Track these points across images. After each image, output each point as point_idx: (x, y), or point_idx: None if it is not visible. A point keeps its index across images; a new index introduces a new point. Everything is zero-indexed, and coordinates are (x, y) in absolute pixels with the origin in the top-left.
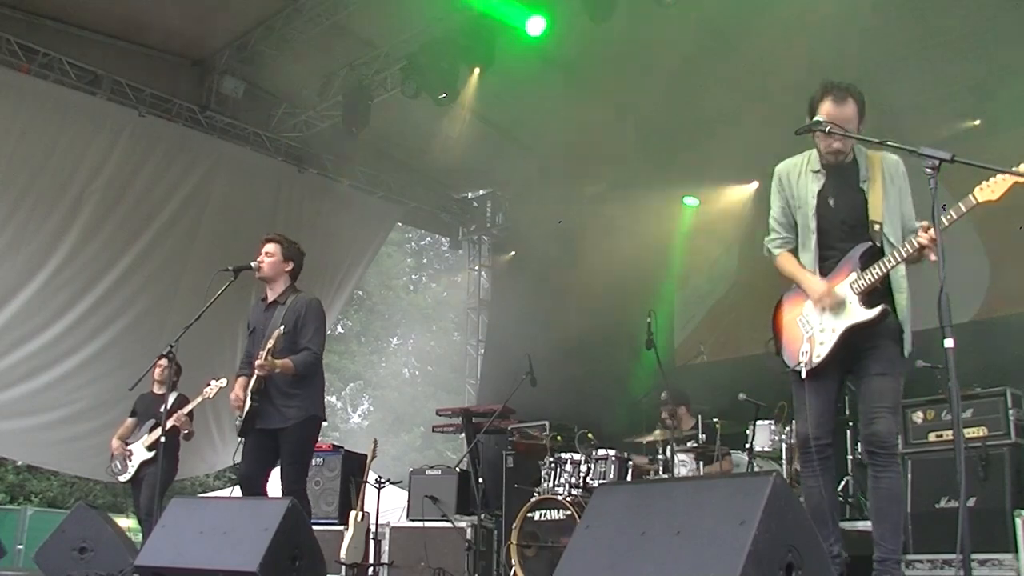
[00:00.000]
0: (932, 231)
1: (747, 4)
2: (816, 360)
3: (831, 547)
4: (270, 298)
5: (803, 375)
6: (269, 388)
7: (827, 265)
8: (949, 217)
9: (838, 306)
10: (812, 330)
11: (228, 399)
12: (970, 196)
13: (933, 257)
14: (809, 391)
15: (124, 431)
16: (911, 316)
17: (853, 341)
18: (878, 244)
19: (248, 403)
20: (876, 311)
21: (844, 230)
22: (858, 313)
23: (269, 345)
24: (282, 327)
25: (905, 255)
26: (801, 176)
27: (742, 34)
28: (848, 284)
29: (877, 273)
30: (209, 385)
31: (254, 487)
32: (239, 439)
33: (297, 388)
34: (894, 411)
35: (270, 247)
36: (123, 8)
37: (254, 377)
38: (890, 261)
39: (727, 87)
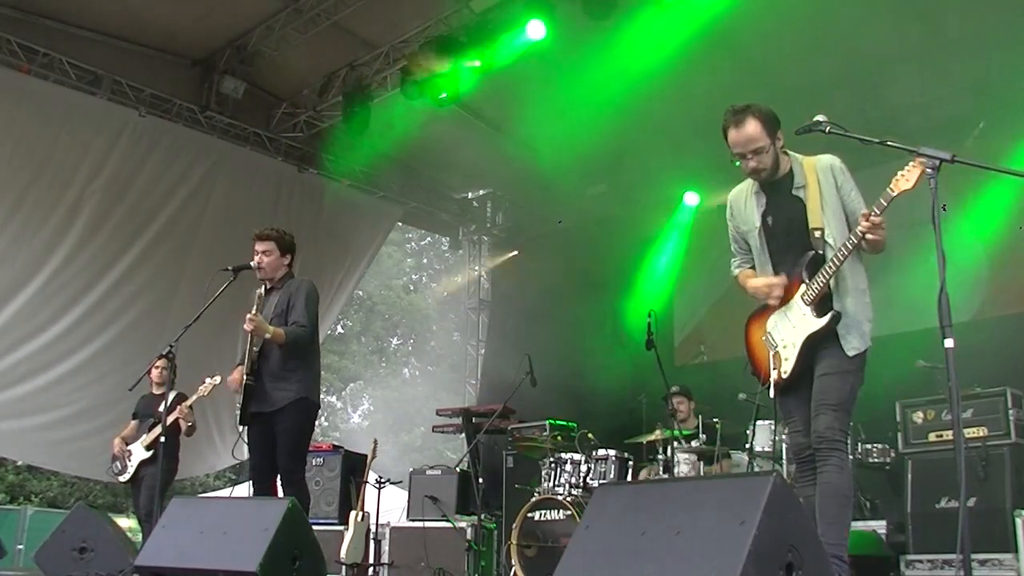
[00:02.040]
0: (874, 217)
1: (747, 4)
2: (784, 375)
3: (834, 547)
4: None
5: (771, 393)
6: (262, 370)
7: (790, 285)
8: (875, 212)
9: (795, 317)
10: (776, 346)
11: (226, 398)
12: (888, 189)
13: (872, 237)
14: (793, 403)
15: (127, 433)
16: (866, 315)
17: (813, 349)
18: (820, 251)
19: (243, 382)
20: (827, 318)
21: (790, 243)
22: (812, 323)
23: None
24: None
25: (846, 253)
26: (747, 200)
27: (742, 34)
28: (799, 296)
29: (822, 280)
30: (203, 383)
31: (264, 476)
32: (239, 434)
33: (290, 370)
34: (836, 408)
35: (266, 245)
36: (123, 8)
37: (246, 358)
38: (831, 266)
39: (727, 87)
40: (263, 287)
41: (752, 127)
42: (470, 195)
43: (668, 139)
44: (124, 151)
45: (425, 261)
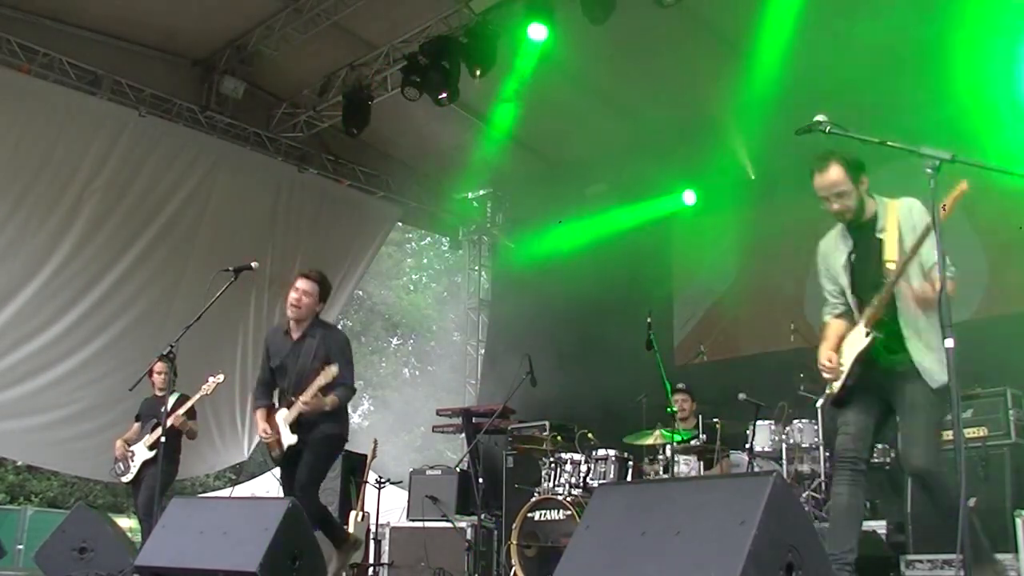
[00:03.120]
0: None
1: (746, 5)
2: (836, 387)
3: (846, 554)
4: (295, 332)
5: (821, 403)
6: (302, 418)
7: (861, 313)
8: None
9: (855, 337)
10: (843, 363)
11: (227, 398)
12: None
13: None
14: (851, 415)
15: (130, 435)
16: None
17: (870, 370)
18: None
19: (290, 438)
20: (868, 339)
21: (870, 281)
22: (861, 342)
23: (320, 383)
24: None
25: (897, 274)
26: (836, 244)
27: (742, 34)
28: (863, 320)
29: (875, 303)
30: (207, 382)
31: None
32: (273, 464)
33: (327, 416)
34: (924, 443)
35: (308, 285)
36: (123, 8)
37: (292, 410)
38: (886, 288)
39: (727, 87)
40: (286, 330)
41: (835, 172)
42: (470, 195)
43: (668, 139)
44: (124, 151)
45: (425, 261)
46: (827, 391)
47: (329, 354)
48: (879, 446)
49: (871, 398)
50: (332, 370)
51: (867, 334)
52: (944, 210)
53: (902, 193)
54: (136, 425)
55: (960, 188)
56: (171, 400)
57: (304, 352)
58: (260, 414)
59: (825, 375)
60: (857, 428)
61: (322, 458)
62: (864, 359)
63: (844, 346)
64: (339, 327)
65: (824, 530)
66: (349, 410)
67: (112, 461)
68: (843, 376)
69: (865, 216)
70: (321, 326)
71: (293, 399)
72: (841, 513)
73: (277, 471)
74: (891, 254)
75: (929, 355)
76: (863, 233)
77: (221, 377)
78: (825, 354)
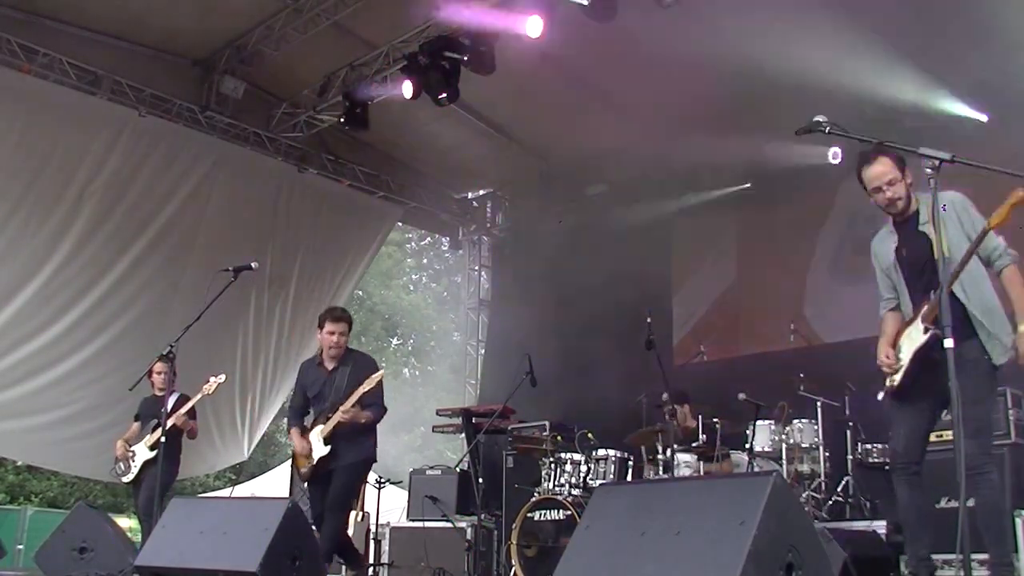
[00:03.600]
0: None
1: (746, 4)
2: (894, 383)
3: (920, 552)
4: (329, 364)
5: (879, 397)
6: (337, 433)
7: (917, 308)
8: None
9: (914, 333)
10: (900, 358)
11: (227, 398)
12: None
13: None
14: (899, 414)
15: (130, 435)
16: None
17: (935, 371)
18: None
19: (322, 449)
20: (926, 336)
21: (920, 273)
22: (919, 339)
23: (357, 395)
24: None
25: (959, 270)
26: (884, 240)
27: (741, 35)
28: (920, 317)
29: (932, 299)
30: (208, 382)
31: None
32: (302, 484)
33: (360, 435)
34: (974, 435)
35: (341, 327)
36: (123, 8)
37: (330, 423)
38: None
39: (726, 87)
40: (319, 362)
41: (884, 162)
42: (470, 195)
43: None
44: (124, 151)
45: (425, 261)
46: (887, 383)
47: (362, 375)
48: (879, 446)
49: (925, 400)
50: (375, 376)
51: (925, 330)
52: (1000, 219)
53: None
54: (135, 425)
55: (1018, 194)
56: (171, 400)
57: (339, 379)
58: (295, 432)
59: (884, 370)
60: (907, 433)
61: (352, 482)
62: (923, 355)
63: (902, 341)
64: (365, 352)
65: (823, 530)
66: None
67: (112, 461)
68: (901, 372)
69: (910, 211)
70: (351, 353)
71: (331, 415)
72: (908, 514)
73: (276, 471)
74: (938, 250)
75: (991, 342)
76: (907, 227)
77: (222, 377)
78: (884, 350)
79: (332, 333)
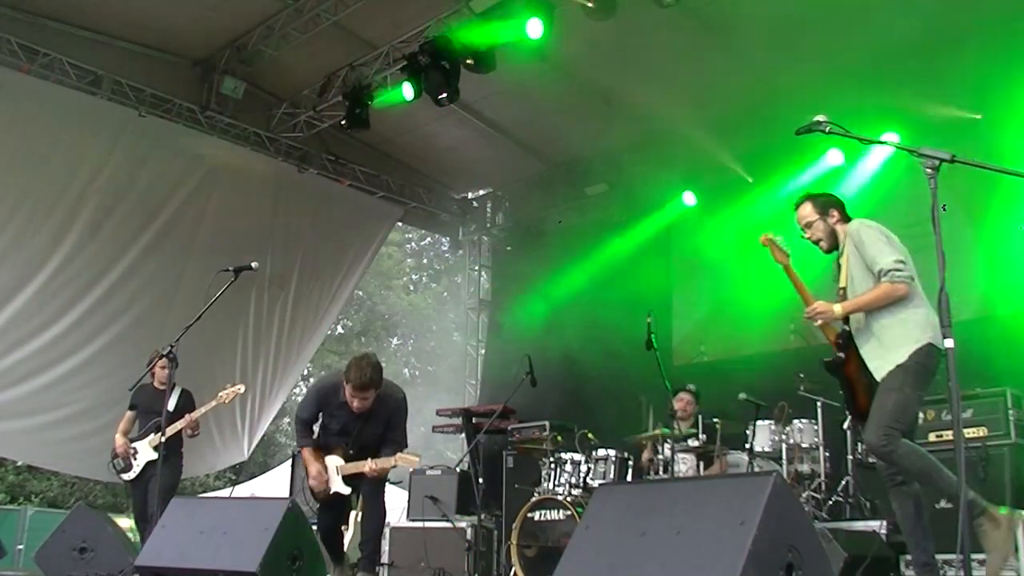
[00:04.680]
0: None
1: (745, 4)
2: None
3: (920, 554)
4: (356, 407)
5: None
6: (359, 455)
7: None
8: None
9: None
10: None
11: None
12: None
13: (819, 323)
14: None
15: (126, 425)
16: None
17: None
18: None
19: (342, 487)
20: (827, 360)
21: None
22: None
23: (386, 464)
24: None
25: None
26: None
27: (740, 35)
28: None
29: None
30: (225, 389)
31: (334, 535)
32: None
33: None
34: (876, 423)
35: (369, 394)
36: (123, 8)
37: (353, 466)
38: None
39: (725, 88)
40: (345, 401)
41: (804, 208)
42: (470, 195)
43: (668, 139)
44: (124, 151)
45: (425, 261)
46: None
47: (391, 417)
48: None
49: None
50: (413, 459)
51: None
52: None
53: None
54: (130, 414)
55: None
56: (173, 398)
57: (365, 420)
58: (309, 453)
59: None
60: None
61: (382, 482)
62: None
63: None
64: (396, 386)
65: (823, 530)
66: None
67: (112, 457)
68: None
69: (840, 244)
70: (381, 396)
71: (351, 452)
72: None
73: (276, 471)
74: (842, 279)
75: (880, 353)
76: (836, 260)
77: (241, 388)
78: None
79: (355, 398)
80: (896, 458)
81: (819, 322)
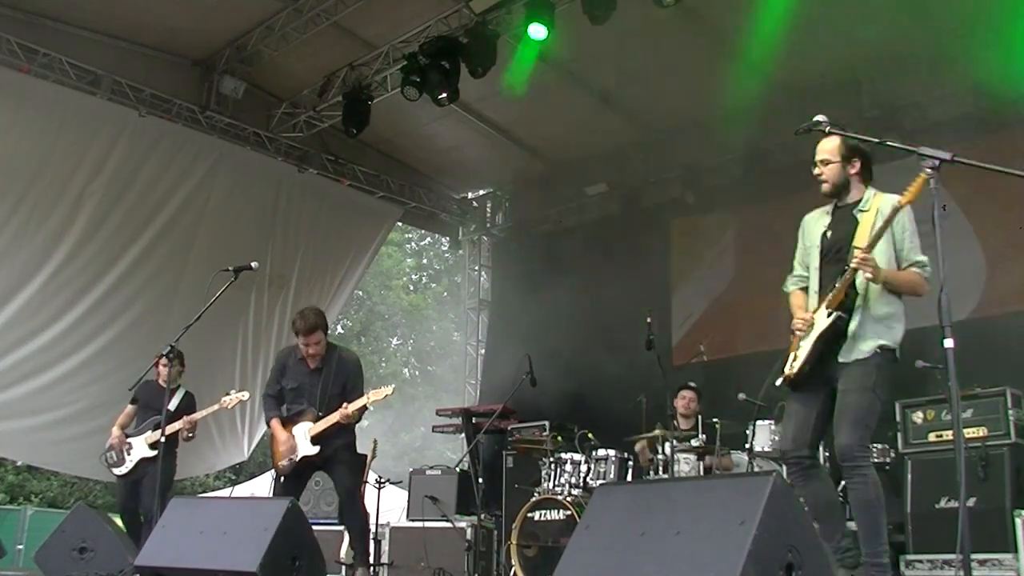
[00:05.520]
0: (860, 253)
1: (745, 4)
2: (792, 370)
3: (839, 543)
4: (312, 362)
5: (776, 382)
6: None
7: (823, 294)
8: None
9: (818, 319)
10: (799, 346)
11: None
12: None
13: (867, 275)
14: (792, 404)
15: (124, 419)
16: (875, 331)
17: (829, 357)
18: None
19: (310, 449)
20: (830, 319)
21: (837, 259)
22: (823, 323)
23: (359, 404)
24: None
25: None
26: (818, 219)
27: (741, 35)
28: (825, 304)
29: (835, 286)
30: (229, 395)
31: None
32: (277, 477)
33: (342, 429)
34: (853, 424)
35: (317, 336)
36: (123, 8)
37: (319, 425)
38: (848, 275)
39: (725, 87)
40: (302, 357)
41: (830, 141)
42: (470, 195)
43: (668, 139)
44: (124, 151)
45: (425, 261)
46: (786, 370)
47: (348, 379)
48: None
49: (818, 388)
50: (383, 391)
51: (829, 315)
52: (911, 196)
53: None
54: (130, 408)
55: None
56: (176, 398)
57: (323, 378)
58: (276, 424)
59: (797, 332)
60: (798, 424)
61: (356, 463)
62: (826, 339)
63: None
64: (356, 357)
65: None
66: None
67: (105, 449)
68: (802, 359)
69: (849, 198)
70: (333, 351)
71: (321, 414)
72: (816, 510)
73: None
74: (860, 239)
75: (872, 325)
76: (842, 212)
77: (245, 395)
78: (800, 314)
79: (308, 344)
80: (860, 476)
81: (868, 274)
